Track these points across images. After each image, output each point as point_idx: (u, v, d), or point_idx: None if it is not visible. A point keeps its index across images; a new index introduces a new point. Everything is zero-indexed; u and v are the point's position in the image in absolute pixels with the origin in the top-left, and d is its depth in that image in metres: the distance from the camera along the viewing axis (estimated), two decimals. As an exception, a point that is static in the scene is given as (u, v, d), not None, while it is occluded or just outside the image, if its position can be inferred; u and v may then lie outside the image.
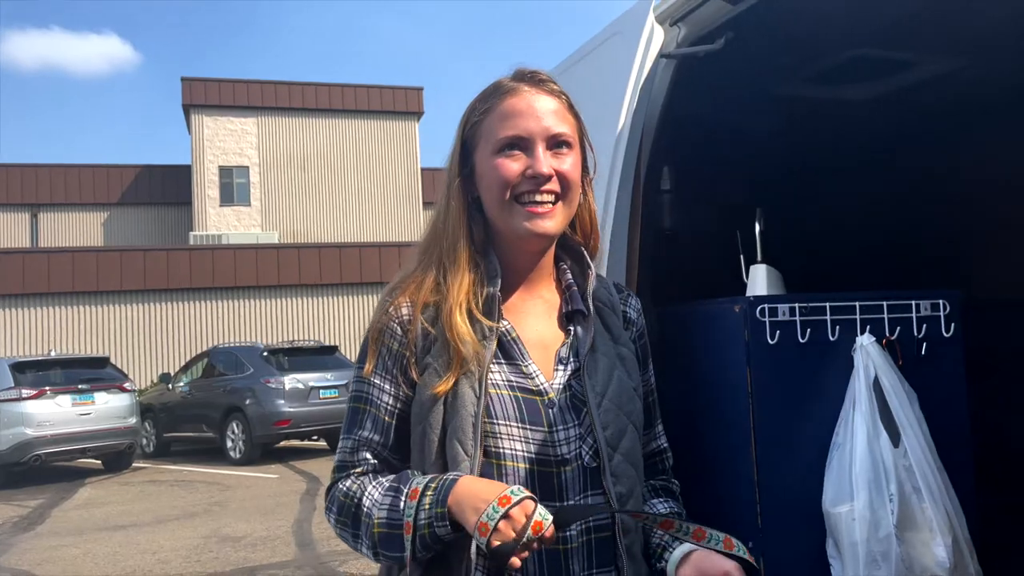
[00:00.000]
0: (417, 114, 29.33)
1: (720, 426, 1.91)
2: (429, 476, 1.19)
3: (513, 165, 1.27)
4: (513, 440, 1.22)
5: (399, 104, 28.99)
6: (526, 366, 1.27)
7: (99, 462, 13.10)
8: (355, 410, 1.30)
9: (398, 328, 1.28)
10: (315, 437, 13.85)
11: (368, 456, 1.28)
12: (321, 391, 12.91)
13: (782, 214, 2.23)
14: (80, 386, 12.18)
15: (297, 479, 11.27)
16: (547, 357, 1.30)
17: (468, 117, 1.34)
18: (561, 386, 1.28)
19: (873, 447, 1.78)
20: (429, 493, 1.15)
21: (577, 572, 1.22)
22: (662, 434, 1.49)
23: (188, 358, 16.57)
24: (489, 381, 1.23)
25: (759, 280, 2.02)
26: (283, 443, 13.61)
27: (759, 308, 1.84)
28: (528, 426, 1.23)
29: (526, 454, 1.22)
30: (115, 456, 12.82)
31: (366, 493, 1.23)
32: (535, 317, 1.33)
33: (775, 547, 1.82)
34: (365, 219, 27.47)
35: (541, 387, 1.26)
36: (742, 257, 2.16)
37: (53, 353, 14.55)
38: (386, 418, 1.27)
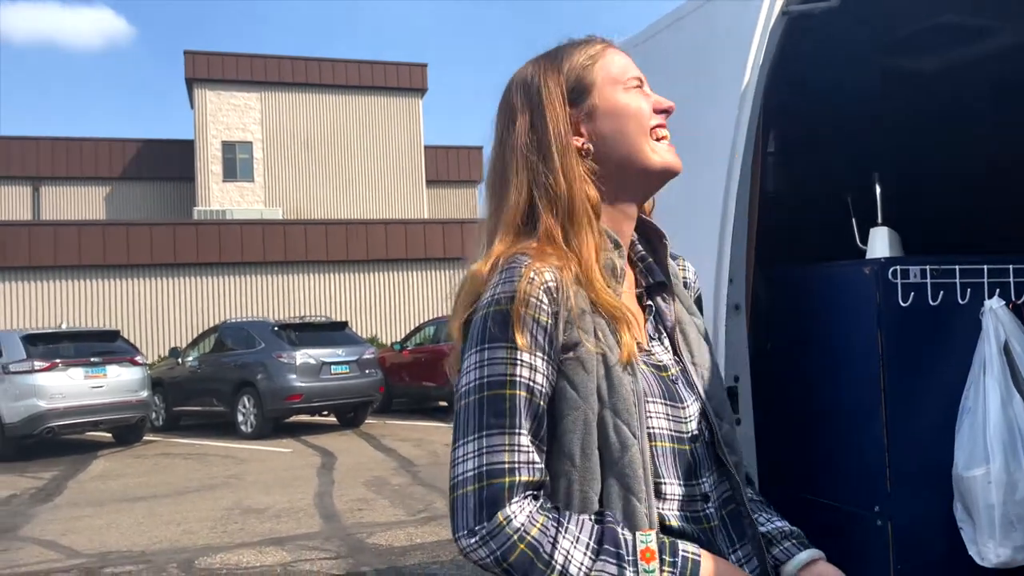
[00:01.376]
0: (421, 90, 29.12)
1: (847, 390, 1.88)
2: (651, 536, 1.05)
3: (645, 100, 1.24)
4: (660, 419, 1.15)
5: (403, 80, 28.76)
6: (644, 345, 1.21)
7: (110, 435, 13.08)
8: (498, 398, 1.07)
9: (544, 297, 1.09)
10: (325, 412, 13.85)
11: (532, 457, 1.06)
12: (332, 366, 12.90)
13: (893, 178, 2.19)
14: (92, 359, 12.11)
15: (311, 453, 11.27)
16: (640, 333, 1.23)
17: (570, 65, 1.25)
18: (671, 361, 1.23)
19: (1007, 410, 1.76)
20: (667, 570, 1.02)
21: (724, 550, 1.17)
22: None
23: (196, 333, 16.52)
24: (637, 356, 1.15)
25: (880, 243, 1.99)
26: (293, 418, 13.60)
27: (891, 270, 1.81)
28: (668, 402, 1.17)
29: (671, 433, 1.16)
30: (126, 429, 12.79)
31: (558, 548, 1.02)
32: (626, 294, 1.25)
33: (903, 511, 1.80)
34: (368, 196, 27.34)
35: (665, 362, 1.21)
36: (853, 221, 2.13)
37: (64, 326, 14.49)
38: (541, 403, 1.08)
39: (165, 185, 28.73)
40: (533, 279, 1.10)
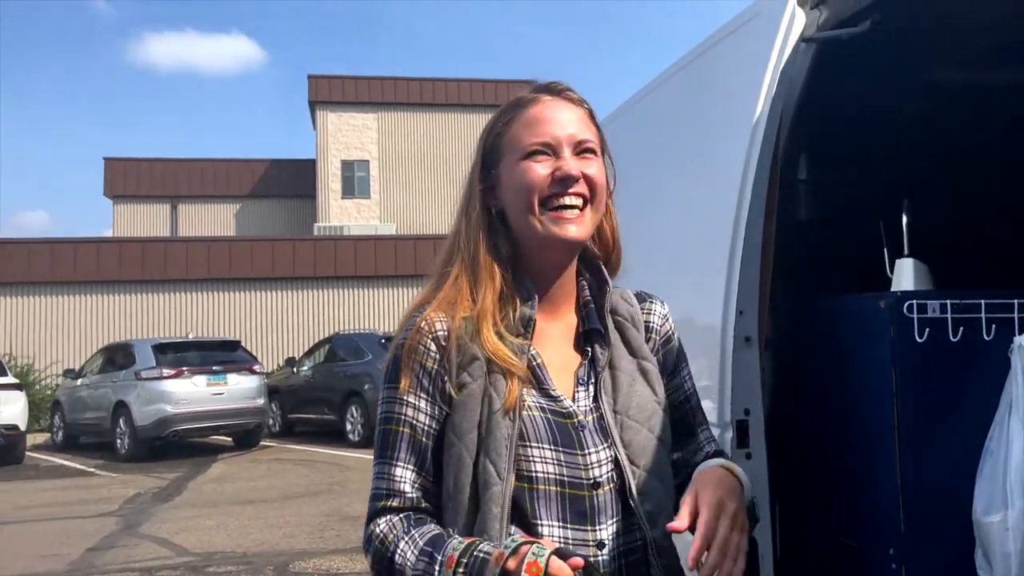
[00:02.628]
0: (532, 107, 29.44)
1: (862, 426, 1.83)
2: (463, 544, 1.14)
3: (540, 169, 1.25)
4: (546, 463, 1.20)
5: (513, 97, 29.15)
6: (552, 390, 1.25)
7: (230, 439, 13.87)
8: (387, 432, 1.23)
9: (432, 344, 1.23)
10: (429, 424, 14.18)
11: (404, 487, 1.22)
12: (436, 379, 13.21)
13: (929, 206, 2.11)
14: (214, 367, 12.93)
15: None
16: (568, 380, 1.28)
17: (490, 129, 1.33)
18: (587, 408, 1.26)
19: (1032, 455, 1.66)
20: (461, 570, 1.12)
21: None
22: (710, 440, 1.41)
23: (311, 343, 17.29)
24: (522, 404, 1.21)
25: (906, 275, 1.92)
26: (399, 428, 13.99)
27: (906, 304, 1.75)
28: (561, 448, 1.21)
29: (558, 477, 1.20)
30: (245, 434, 13.54)
31: (399, 550, 1.18)
32: (556, 340, 1.31)
33: (919, 554, 1.74)
34: (479, 211, 27.81)
35: (569, 409, 1.24)
36: (885, 251, 2.06)
37: (191, 336, 15.49)
38: (423, 440, 1.23)
39: (289, 202, 30.24)
40: (423, 329, 1.24)
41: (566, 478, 1.20)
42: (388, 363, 1.27)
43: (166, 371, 12.50)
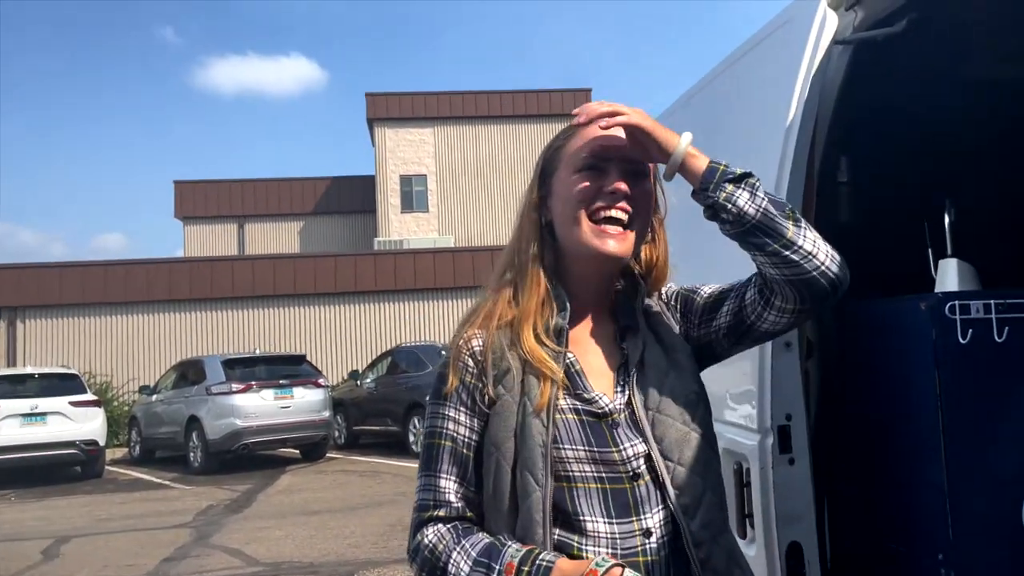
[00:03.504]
0: (587, 115, 29.45)
1: (906, 430, 1.80)
2: (522, 552, 1.19)
3: (589, 182, 1.32)
4: (582, 463, 1.24)
5: (568, 106, 29.19)
6: (588, 394, 1.30)
7: (297, 451, 14.18)
8: (431, 446, 1.31)
9: (470, 360, 1.31)
10: (491, 434, 14.24)
11: (449, 497, 1.28)
12: (496, 389, 13.27)
13: (973, 206, 2.07)
14: (281, 381, 13.25)
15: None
16: (607, 382, 1.32)
17: (550, 145, 1.41)
18: (620, 406, 1.30)
19: (1084, 457, 1.62)
20: None
21: None
22: (740, 284, 1.40)
23: (374, 356, 17.57)
24: (555, 408, 1.26)
25: (950, 275, 1.89)
26: (461, 439, 14.09)
27: (948, 305, 1.73)
28: (596, 448, 1.25)
29: (596, 474, 1.24)
30: (311, 446, 13.83)
31: (451, 560, 1.23)
32: (593, 344, 1.36)
33: (968, 560, 1.70)
34: (537, 221, 27.94)
35: (605, 409, 1.28)
36: (930, 251, 2.03)
37: (258, 351, 15.91)
38: (464, 451, 1.29)
39: (351, 218, 30.84)
40: (461, 347, 1.33)
41: (604, 474, 1.25)
42: (434, 381, 1.36)
43: (235, 386, 12.86)
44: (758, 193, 1.29)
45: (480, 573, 1.20)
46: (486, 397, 1.29)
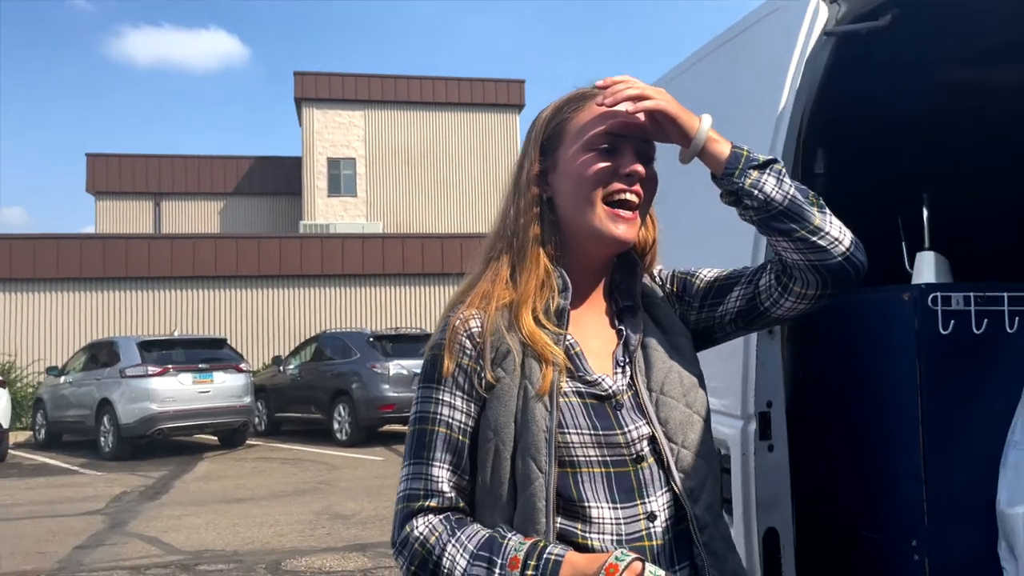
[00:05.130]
0: (518, 106, 29.45)
1: (885, 418, 1.83)
2: (527, 545, 1.13)
3: (606, 163, 1.26)
4: (586, 447, 1.20)
5: (500, 97, 29.17)
6: (590, 376, 1.26)
7: (216, 438, 13.76)
8: (423, 432, 1.23)
9: (468, 342, 1.24)
10: (417, 423, 14.13)
11: (442, 486, 1.21)
12: (424, 378, 13.18)
13: (947, 200, 2.12)
14: (200, 365, 12.82)
15: (400, 462, 11.55)
16: (606, 363, 1.29)
17: (553, 115, 1.33)
18: (623, 388, 1.26)
19: (1056, 446, 1.68)
20: (530, 573, 1.10)
21: (665, 569, 1.18)
22: (751, 270, 1.39)
23: (298, 342, 17.19)
24: (559, 391, 1.21)
25: (927, 268, 1.93)
26: (386, 427, 13.97)
27: (931, 296, 1.76)
28: (600, 431, 1.21)
29: (600, 458, 1.20)
30: (230, 433, 13.45)
31: (446, 553, 1.15)
32: (591, 326, 1.32)
33: (942, 546, 1.74)
34: (465, 211, 27.82)
35: (608, 391, 1.25)
36: (904, 244, 2.07)
37: (176, 333, 15.36)
38: (459, 438, 1.22)
39: (275, 200, 30.07)
40: (457, 327, 1.26)
41: (608, 458, 1.21)
42: (425, 363, 1.28)
43: (151, 369, 12.39)
44: (784, 179, 1.27)
45: (480, 568, 1.13)
46: (484, 381, 1.23)
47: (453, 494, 1.22)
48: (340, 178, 27.94)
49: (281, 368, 15.06)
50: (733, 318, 1.38)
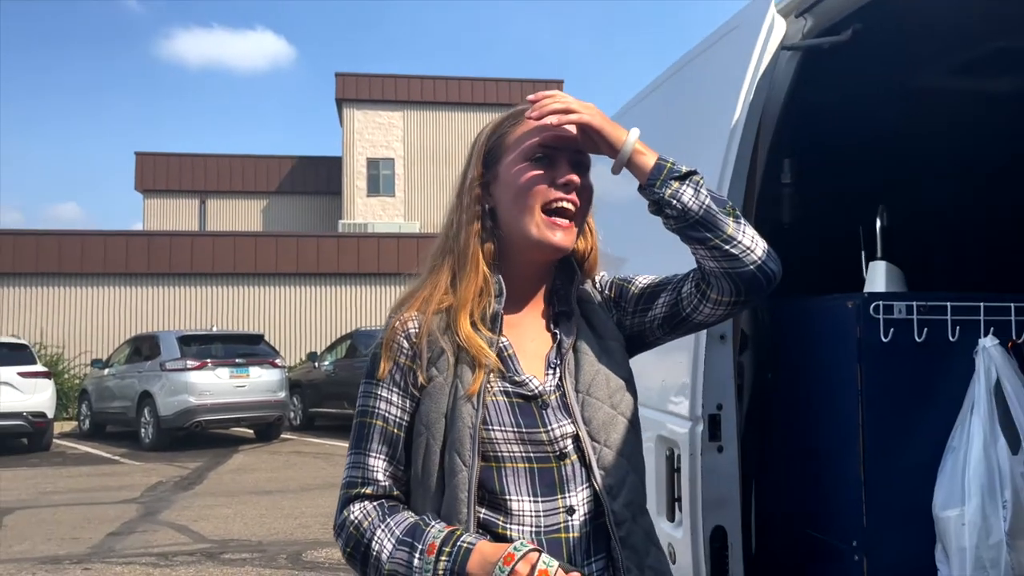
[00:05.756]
0: (558, 107, 29.48)
1: (829, 422, 1.89)
2: (444, 533, 1.22)
3: (542, 173, 1.34)
4: (510, 444, 1.28)
5: (540, 97, 29.22)
6: (519, 376, 1.33)
7: (251, 431, 14.07)
8: (362, 425, 1.33)
9: (405, 343, 1.33)
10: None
11: (377, 475, 1.30)
12: (454, 376, 13.30)
13: (909, 211, 2.16)
14: (237, 360, 13.11)
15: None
16: (539, 364, 1.36)
17: (495, 129, 1.42)
18: (551, 388, 1.34)
19: (989, 452, 1.72)
20: (443, 559, 1.19)
21: (579, 561, 1.27)
22: (678, 277, 1.45)
23: (334, 339, 17.47)
24: (486, 391, 1.29)
25: (878, 277, 1.98)
26: (417, 424, 14.10)
27: (873, 305, 1.82)
28: (524, 429, 1.29)
29: (524, 454, 1.28)
30: (265, 427, 13.73)
31: (375, 537, 1.25)
32: (528, 328, 1.39)
33: (880, 548, 1.79)
34: (503, 211, 27.95)
35: (535, 391, 1.32)
36: (863, 253, 2.12)
37: (215, 329, 15.73)
38: (395, 431, 1.31)
39: (315, 199, 30.55)
40: (396, 327, 1.35)
41: (532, 454, 1.29)
42: (367, 361, 1.38)
43: (190, 363, 12.71)
44: (701, 190, 1.34)
45: (403, 552, 1.22)
46: (418, 379, 1.32)
47: (388, 483, 1.32)
48: (379, 178, 28.30)
49: (316, 364, 15.31)
50: (660, 323, 1.45)
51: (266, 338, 15.22)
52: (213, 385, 12.72)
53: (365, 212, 28.05)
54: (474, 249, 1.37)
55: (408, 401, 1.33)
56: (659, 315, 1.45)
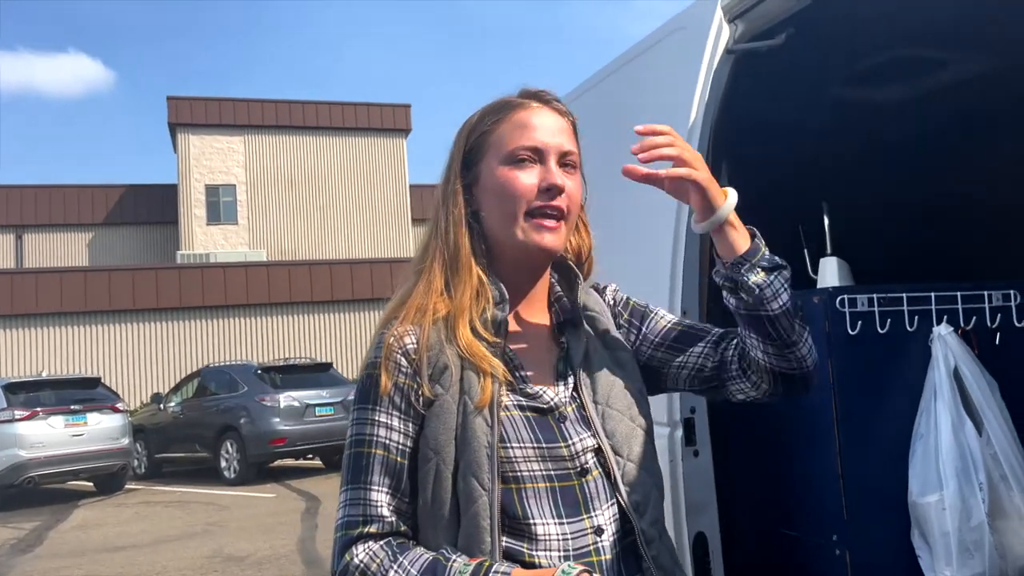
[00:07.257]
0: (405, 131, 29.36)
1: (801, 420, 1.90)
2: (471, 566, 1.09)
3: (527, 177, 1.24)
4: (530, 462, 1.17)
5: (387, 121, 29.01)
6: (531, 388, 1.24)
7: (91, 484, 12.88)
8: (360, 456, 1.18)
9: (403, 359, 1.20)
10: (310, 456, 13.71)
11: (382, 511, 1.16)
12: (317, 408, 12.78)
13: (839, 210, 2.24)
14: (72, 407, 11.99)
15: (295, 498, 11.13)
16: (547, 375, 1.27)
17: (475, 126, 1.31)
18: (566, 400, 1.25)
19: (959, 436, 1.78)
20: None
21: None
22: (717, 333, 1.35)
23: (179, 378, 16.39)
24: (499, 405, 1.18)
25: (830, 272, 2.02)
26: (278, 462, 13.46)
27: (839, 299, 1.84)
28: (544, 445, 1.19)
29: (545, 472, 1.18)
30: (108, 477, 12.60)
31: None
32: (531, 338, 1.30)
33: (861, 539, 1.81)
34: (353, 236, 27.41)
35: (550, 403, 1.23)
36: (806, 251, 2.17)
37: (44, 374, 14.34)
38: (398, 459, 1.18)
39: (149, 229, 28.72)
40: (392, 345, 1.21)
41: (553, 472, 1.17)
42: (359, 384, 1.23)
43: (18, 413, 11.48)
44: (787, 290, 1.23)
45: None
46: (422, 398, 1.18)
47: (394, 518, 1.17)
48: (220, 205, 26.97)
49: (161, 406, 14.30)
50: (692, 373, 1.34)
51: (104, 381, 14.03)
52: (46, 436, 11.56)
53: (206, 242, 26.62)
54: (465, 253, 1.26)
55: (410, 425, 1.18)
56: (693, 364, 1.33)
